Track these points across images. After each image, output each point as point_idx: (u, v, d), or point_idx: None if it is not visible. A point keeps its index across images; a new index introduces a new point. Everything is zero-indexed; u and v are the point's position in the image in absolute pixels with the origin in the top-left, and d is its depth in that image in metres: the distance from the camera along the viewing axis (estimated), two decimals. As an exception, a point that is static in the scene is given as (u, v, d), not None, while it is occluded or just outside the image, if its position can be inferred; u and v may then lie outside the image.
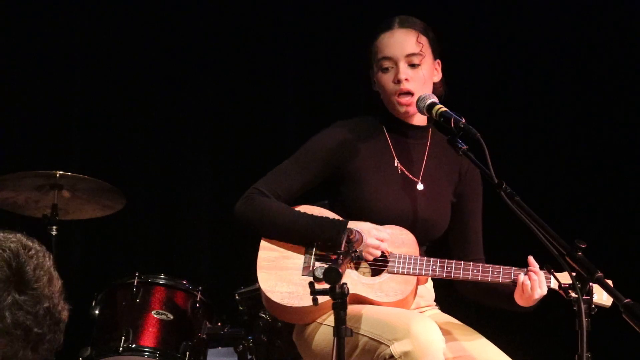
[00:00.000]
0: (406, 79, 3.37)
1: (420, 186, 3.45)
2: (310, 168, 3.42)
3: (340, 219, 3.36)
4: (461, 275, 3.28)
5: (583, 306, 2.73)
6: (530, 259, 3.27)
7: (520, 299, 3.31)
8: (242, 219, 3.38)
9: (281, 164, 3.46)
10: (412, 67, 3.40)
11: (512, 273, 3.28)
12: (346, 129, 3.46)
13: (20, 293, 2.04)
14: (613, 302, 3.20)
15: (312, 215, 3.35)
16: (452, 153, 3.34)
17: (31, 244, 2.10)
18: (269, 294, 3.30)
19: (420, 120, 3.48)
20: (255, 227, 3.37)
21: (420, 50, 3.41)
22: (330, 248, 3.27)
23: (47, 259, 2.11)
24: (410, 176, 3.45)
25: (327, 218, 3.33)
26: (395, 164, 3.45)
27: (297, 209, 3.42)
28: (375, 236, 3.27)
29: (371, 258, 3.27)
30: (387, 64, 3.40)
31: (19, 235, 2.11)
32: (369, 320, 3.20)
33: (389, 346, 3.11)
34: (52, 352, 2.11)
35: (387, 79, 3.41)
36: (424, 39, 3.43)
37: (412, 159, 3.47)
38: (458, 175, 3.53)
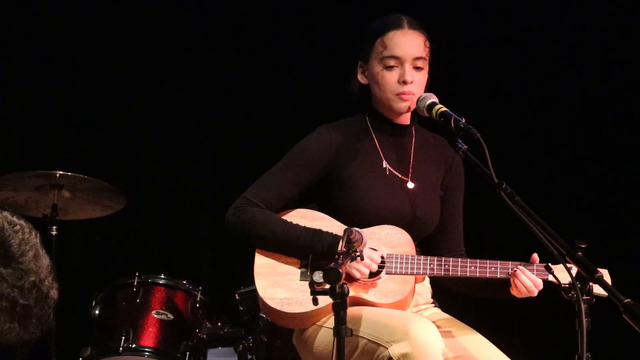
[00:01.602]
0: (411, 82, 3.38)
1: (410, 185, 3.45)
2: (301, 173, 3.41)
3: (338, 223, 3.36)
4: (459, 272, 3.28)
5: (583, 306, 2.73)
6: (534, 256, 3.27)
7: (518, 295, 3.31)
8: (233, 231, 3.38)
9: (269, 170, 3.44)
10: (416, 70, 3.40)
11: (509, 268, 3.28)
12: (333, 132, 3.45)
13: (5, 266, 2.06)
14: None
15: (305, 227, 3.33)
16: (437, 148, 3.36)
17: (17, 220, 2.14)
18: (267, 301, 3.29)
19: (404, 119, 3.49)
20: (247, 239, 3.37)
21: (426, 55, 3.42)
22: (327, 258, 3.25)
23: (34, 235, 2.14)
24: (400, 176, 3.45)
25: (320, 230, 3.32)
26: (384, 165, 3.45)
27: (290, 213, 3.41)
28: (369, 255, 3.25)
29: (358, 275, 3.25)
30: (393, 62, 3.40)
31: (4, 212, 2.14)
32: (367, 321, 3.19)
33: (387, 348, 3.11)
34: (41, 329, 2.12)
35: (391, 77, 3.40)
36: (428, 44, 3.45)
37: (399, 158, 3.47)
38: (444, 169, 3.54)
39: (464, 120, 3.17)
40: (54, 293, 2.13)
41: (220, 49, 5.79)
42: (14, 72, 5.61)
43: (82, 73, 5.72)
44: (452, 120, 3.18)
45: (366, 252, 3.23)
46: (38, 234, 2.15)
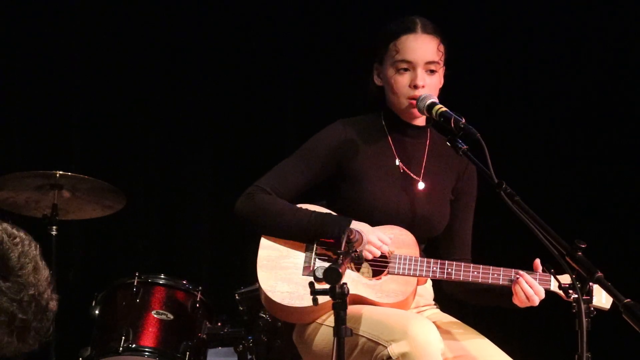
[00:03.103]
0: (422, 86, 3.38)
1: (421, 185, 3.45)
2: (313, 166, 3.42)
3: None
4: (461, 277, 3.28)
5: (583, 306, 2.73)
6: (537, 263, 3.27)
7: (520, 304, 3.31)
8: (242, 216, 3.38)
9: (283, 161, 3.46)
10: (429, 74, 3.40)
11: (511, 274, 3.28)
12: (348, 127, 3.46)
13: (4, 280, 2.04)
14: (612, 305, 3.20)
15: (314, 211, 3.36)
16: (451, 152, 3.34)
17: (16, 233, 2.11)
18: (269, 294, 3.30)
19: (420, 120, 3.49)
20: (255, 224, 3.37)
21: (439, 59, 3.42)
22: (331, 246, 3.26)
23: (33, 247, 2.12)
24: (412, 175, 3.46)
25: (330, 214, 3.33)
26: (397, 163, 3.46)
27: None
28: (378, 236, 3.27)
29: (370, 257, 3.26)
30: (405, 66, 3.40)
31: (4, 224, 2.12)
32: (367, 320, 3.20)
33: (386, 347, 3.11)
34: (40, 341, 2.11)
35: (403, 80, 3.40)
36: (442, 48, 3.44)
37: (412, 158, 3.48)
38: (457, 174, 3.54)
39: (464, 120, 3.17)
40: (53, 305, 2.12)
41: (220, 49, 5.79)
42: (14, 72, 5.61)
43: (82, 73, 5.71)
44: (452, 120, 3.18)
45: (376, 232, 3.24)
46: (38, 246, 2.13)
